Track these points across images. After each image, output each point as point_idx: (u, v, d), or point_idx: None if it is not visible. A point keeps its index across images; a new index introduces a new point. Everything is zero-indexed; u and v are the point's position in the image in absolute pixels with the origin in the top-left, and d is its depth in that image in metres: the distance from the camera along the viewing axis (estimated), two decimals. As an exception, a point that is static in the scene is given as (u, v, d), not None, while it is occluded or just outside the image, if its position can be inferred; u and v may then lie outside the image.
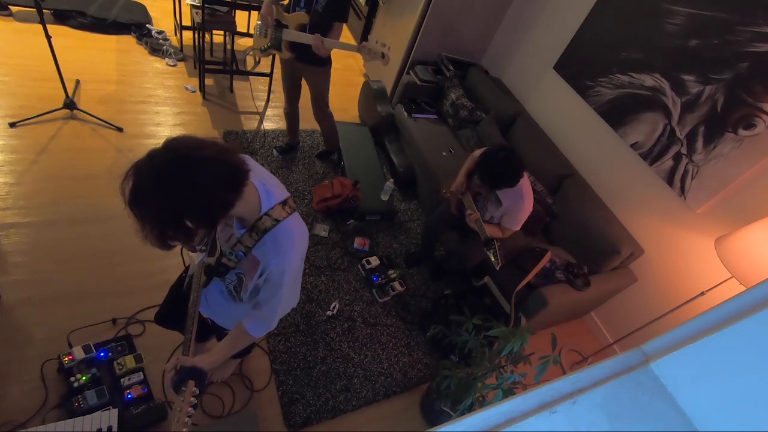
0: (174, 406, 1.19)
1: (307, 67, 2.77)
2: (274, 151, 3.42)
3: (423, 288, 2.94)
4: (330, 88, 3.00)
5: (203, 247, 1.37)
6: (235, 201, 1.05)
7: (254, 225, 1.17)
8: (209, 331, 1.86)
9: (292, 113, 3.20)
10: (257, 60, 4.16)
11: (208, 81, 3.85)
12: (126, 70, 3.63)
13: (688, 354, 0.62)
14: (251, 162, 1.22)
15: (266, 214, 1.16)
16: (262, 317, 1.30)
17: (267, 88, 3.94)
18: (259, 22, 2.63)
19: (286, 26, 2.59)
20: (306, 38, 2.51)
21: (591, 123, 3.11)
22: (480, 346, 2.05)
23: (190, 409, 1.17)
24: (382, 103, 3.76)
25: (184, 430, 1.14)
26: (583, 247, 2.84)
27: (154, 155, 0.96)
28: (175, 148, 0.97)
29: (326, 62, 2.77)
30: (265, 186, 1.18)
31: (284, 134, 3.55)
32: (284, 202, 1.20)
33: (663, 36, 2.63)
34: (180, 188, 0.96)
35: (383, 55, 2.39)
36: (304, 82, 2.99)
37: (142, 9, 4.15)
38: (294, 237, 1.20)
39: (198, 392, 1.20)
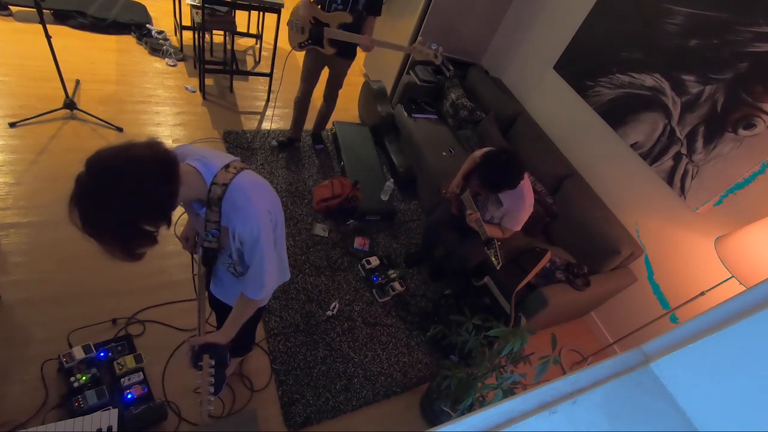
0: (198, 384, 1.25)
1: (338, 59, 2.93)
2: (274, 142, 3.44)
3: (423, 288, 2.94)
4: None
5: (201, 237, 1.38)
6: (176, 188, 1.06)
7: (209, 200, 1.18)
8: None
9: (304, 101, 3.23)
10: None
11: (208, 81, 3.85)
12: (126, 70, 3.63)
13: (688, 354, 0.62)
14: (182, 149, 1.27)
15: (213, 183, 1.17)
16: (254, 279, 1.31)
17: (267, 88, 3.94)
18: (295, 20, 2.75)
19: (326, 24, 2.69)
20: (356, 38, 2.68)
21: (591, 123, 3.11)
22: (480, 346, 2.05)
23: (211, 378, 1.23)
24: (382, 103, 3.76)
25: (210, 407, 1.18)
26: (583, 247, 2.84)
27: (81, 180, 0.97)
28: (96, 163, 0.98)
29: (355, 55, 2.97)
30: (203, 161, 1.20)
31: (284, 134, 3.55)
32: (227, 166, 1.21)
33: (663, 36, 2.63)
34: (121, 198, 0.97)
35: (436, 56, 2.63)
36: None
37: (142, 9, 4.15)
38: (247, 191, 1.20)
39: (214, 363, 1.26)
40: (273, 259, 1.30)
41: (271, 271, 1.30)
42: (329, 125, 3.66)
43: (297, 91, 3.18)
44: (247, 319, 1.43)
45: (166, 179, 1.04)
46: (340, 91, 3.24)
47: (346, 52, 2.89)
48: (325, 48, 2.79)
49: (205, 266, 1.40)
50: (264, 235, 1.22)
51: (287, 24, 2.86)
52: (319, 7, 2.70)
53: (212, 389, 1.24)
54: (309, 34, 2.76)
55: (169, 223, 1.07)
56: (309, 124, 3.54)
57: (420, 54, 2.64)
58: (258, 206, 1.22)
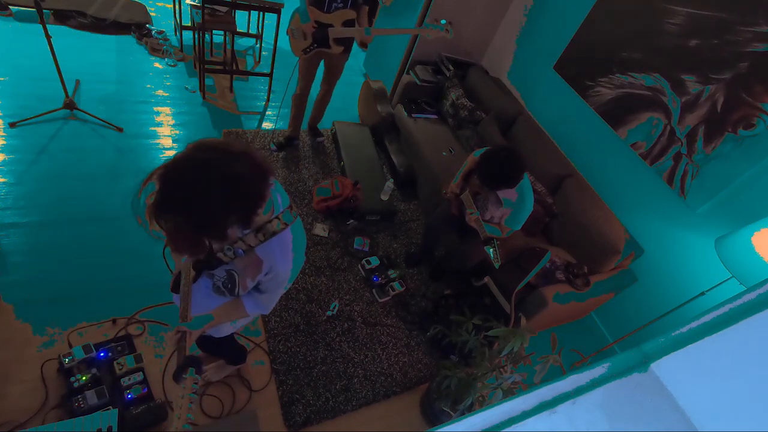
0: (175, 399, 1.21)
1: (340, 55, 2.96)
2: (272, 146, 3.42)
3: (423, 288, 2.94)
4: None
5: None
6: (266, 194, 1.07)
7: (263, 226, 1.18)
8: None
9: (303, 97, 3.23)
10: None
11: (208, 81, 3.85)
12: (126, 70, 3.63)
13: (688, 354, 0.62)
14: None
15: (277, 217, 1.20)
16: (263, 301, 1.36)
17: (267, 88, 3.94)
18: (295, 28, 2.76)
19: (329, 25, 2.70)
20: (351, 32, 2.70)
21: (591, 123, 3.11)
22: (480, 346, 2.05)
23: (191, 398, 1.19)
24: (382, 103, 3.76)
25: (188, 421, 1.16)
26: (583, 247, 2.83)
27: (194, 155, 0.95)
28: (216, 144, 0.98)
29: (352, 47, 3.00)
30: (275, 192, 1.24)
31: (282, 135, 3.54)
32: (290, 207, 1.26)
33: (663, 36, 2.63)
34: (227, 180, 0.96)
35: (447, 30, 2.59)
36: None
37: (142, 9, 4.15)
38: (298, 242, 1.28)
39: (198, 378, 1.24)
40: (279, 295, 1.39)
41: (273, 304, 1.41)
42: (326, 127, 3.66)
43: (296, 88, 3.18)
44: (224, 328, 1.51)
45: (264, 179, 1.05)
46: (340, 91, 3.26)
47: (348, 48, 2.95)
48: (332, 48, 2.83)
49: (195, 271, 1.36)
50: (285, 280, 1.31)
51: (287, 33, 2.89)
52: (322, 12, 2.71)
53: (191, 406, 1.19)
54: (313, 38, 2.77)
55: (247, 225, 1.10)
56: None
57: (432, 32, 2.61)
58: (298, 256, 1.29)
